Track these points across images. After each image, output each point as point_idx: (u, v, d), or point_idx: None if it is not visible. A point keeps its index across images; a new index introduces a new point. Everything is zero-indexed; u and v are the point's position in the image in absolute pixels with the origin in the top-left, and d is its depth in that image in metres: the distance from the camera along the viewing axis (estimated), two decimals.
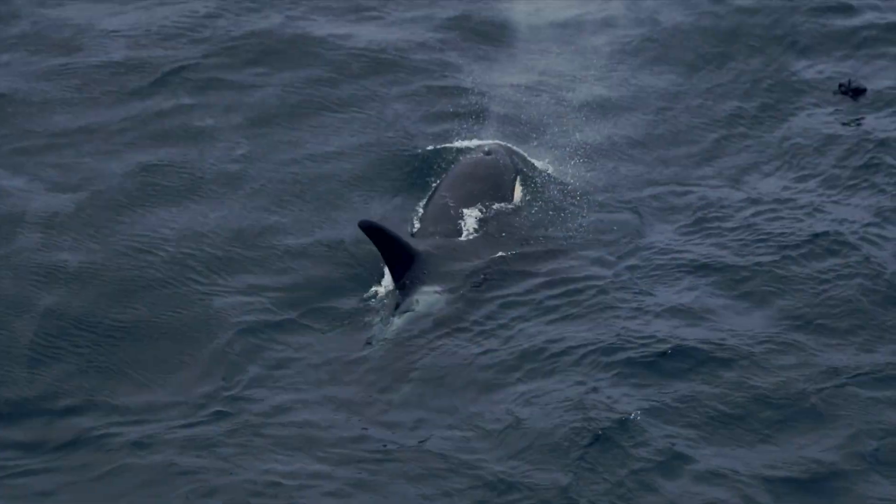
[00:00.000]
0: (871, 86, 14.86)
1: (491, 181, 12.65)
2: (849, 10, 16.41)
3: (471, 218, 12.27)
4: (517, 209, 12.60)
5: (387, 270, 11.62)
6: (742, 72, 15.51)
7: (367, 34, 15.92)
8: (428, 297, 11.43)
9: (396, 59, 15.41)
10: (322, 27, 16.00)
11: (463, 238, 12.12)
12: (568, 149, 13.65)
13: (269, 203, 12.94)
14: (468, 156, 13.20)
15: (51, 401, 10.49)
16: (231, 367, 10.72)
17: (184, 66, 15.29)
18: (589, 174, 13.36)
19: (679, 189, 13.29)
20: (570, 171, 13.34)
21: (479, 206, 12.38)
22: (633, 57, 15.77)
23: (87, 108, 14.52)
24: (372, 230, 11.34)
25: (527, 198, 12.83)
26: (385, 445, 9.98)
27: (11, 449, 9.97)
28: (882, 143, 13.92)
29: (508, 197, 12.61)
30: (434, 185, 13.05)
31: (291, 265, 12.03)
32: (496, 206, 12.45)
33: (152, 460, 9.61)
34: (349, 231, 12.39)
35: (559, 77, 15.23)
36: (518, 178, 12.91)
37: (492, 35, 16.14)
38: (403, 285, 11.49)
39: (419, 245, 11.71)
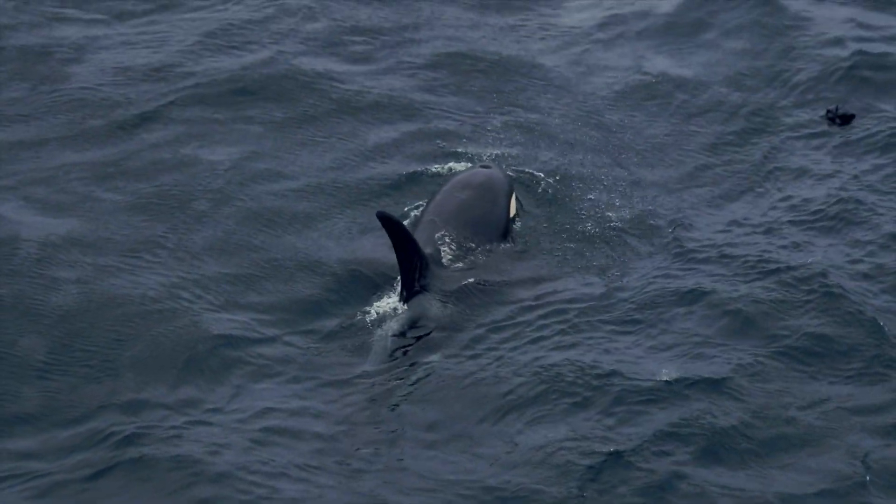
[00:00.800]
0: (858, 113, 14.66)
1: (487, 191, 12.61)
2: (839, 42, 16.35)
3: (465, 228, 12.22)
4: (513, 221, 12.67)
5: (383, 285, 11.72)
6: (726, 99, 15.31)
7: (354, 72, 15.90)
8: (433, 303, 11.48)
9: (384, 95, 15.34)
10: (310, 64, 15.95)
11: (458, 249, 12.09)
12: (557, 176, 13.62)
13: (259, 225, 12.94)
14: (464, 170, 13.29)
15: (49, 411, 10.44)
16: (221, 382, 10.66)
17: (172, 101, 15.18)
18: (584, 198, 13.35)
19: (663, 215, 13.18)
20: (564, 194, 13.38)
21: (474, 214, 12.33)
22: (623, 98, 15.62)
23: (77, 139, 14.41)
24: (389, 222, 11.22)
25: (522, 213, 12.87)
26: (376, 458, 9.92)
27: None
28: (870, 172, 13.75)
29: (505, 209, 12.57)
30: (428, 198, 13.03)
31: (282, 286, 12.06)
32: (493, 216, 12.41)
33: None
34: (334, 253, 12.49)
35: (546, 115, 15.12)
36: (515, 194, 12.92)
37: (483, 73, 16.02)
38: (411, 285, 11.44)
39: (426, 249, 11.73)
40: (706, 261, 12.27)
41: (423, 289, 11.46)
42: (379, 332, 11.25)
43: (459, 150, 14.18)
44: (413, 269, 11.38)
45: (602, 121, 14.99)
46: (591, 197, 13.29)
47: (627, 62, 16.36)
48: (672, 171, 14.00)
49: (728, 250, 12.41)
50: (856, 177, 13.72)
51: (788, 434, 10.05)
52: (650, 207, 13.19)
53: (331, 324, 11.46)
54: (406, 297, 11.43)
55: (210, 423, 10.02)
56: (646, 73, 16.01)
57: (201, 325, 11.17)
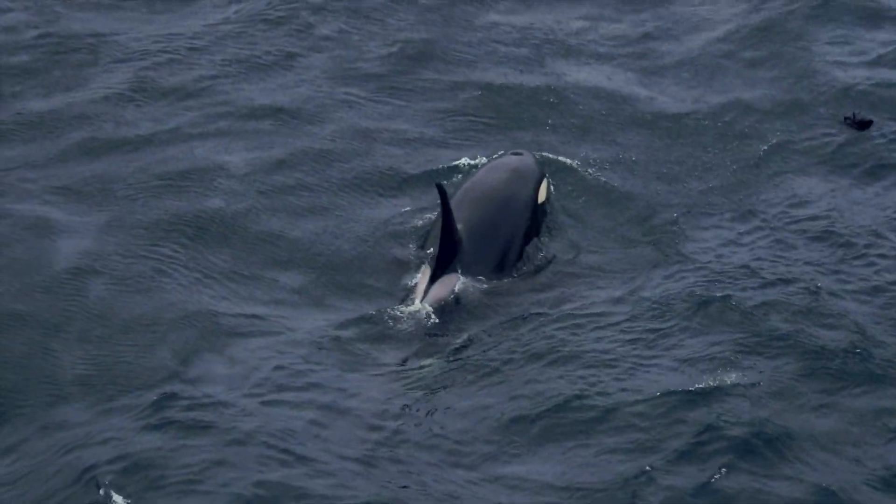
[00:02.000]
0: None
1: (518, 174, 12.88)
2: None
3: (492, 212, 12.45)
4: (543, 207, 12.89)
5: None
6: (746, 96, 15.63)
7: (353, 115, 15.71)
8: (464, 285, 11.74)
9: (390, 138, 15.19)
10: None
11: (488, 233, 12.30)
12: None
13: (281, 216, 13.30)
14: (497, 156, 13.55)
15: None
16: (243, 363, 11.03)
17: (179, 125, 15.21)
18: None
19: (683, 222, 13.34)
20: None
21: (502, 198, 12.58)
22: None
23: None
24: (444, 195, 11.56)
25: (552, 200, 13.07)
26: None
27: None
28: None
29: (534, 194, 12.78)
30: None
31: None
32: (520, 201, 12.66)
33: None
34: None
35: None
36: (546, 180, 13.12)
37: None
38: (444, 263, 11.69)
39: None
40: (721, 273, 12.34)
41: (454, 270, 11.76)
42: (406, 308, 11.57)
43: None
44: (451, 247, 11.67)
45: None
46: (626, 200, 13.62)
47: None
48: (694, 181, 14.16)
49: (741, 261, 12.54)
50: (873, 178, 14.06)
51: (806, 440, 10.07)
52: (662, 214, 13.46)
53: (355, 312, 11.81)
54: (437, 275, 11.71)
55: (232, 398, 10.52)
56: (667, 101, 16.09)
57: (219, 313, 11.66)
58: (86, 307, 11.72)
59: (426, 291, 11.70)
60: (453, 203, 12.06)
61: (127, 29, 16.97)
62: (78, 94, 15.49)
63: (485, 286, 11.88)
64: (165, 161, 14.21)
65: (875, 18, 17.40)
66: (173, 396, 10.41)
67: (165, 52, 16.45)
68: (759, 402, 10.31)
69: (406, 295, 11.92)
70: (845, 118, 14.98)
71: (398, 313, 11.56)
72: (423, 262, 12.20)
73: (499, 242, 12.27)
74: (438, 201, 11.74)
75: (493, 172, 12.93)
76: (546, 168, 13.47)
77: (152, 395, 10.43)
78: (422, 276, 11.96)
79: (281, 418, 10.27)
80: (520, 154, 13.28)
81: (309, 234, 13.00)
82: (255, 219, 13.23)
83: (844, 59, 16.43)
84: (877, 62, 16.35)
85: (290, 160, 14.28)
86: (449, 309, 11.64)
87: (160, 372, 10.92)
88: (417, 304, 11.60)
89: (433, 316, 11.53)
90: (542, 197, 12.86)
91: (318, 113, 15.23)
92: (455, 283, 11.79)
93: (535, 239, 12.55)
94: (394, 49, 16.65)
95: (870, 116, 14.92)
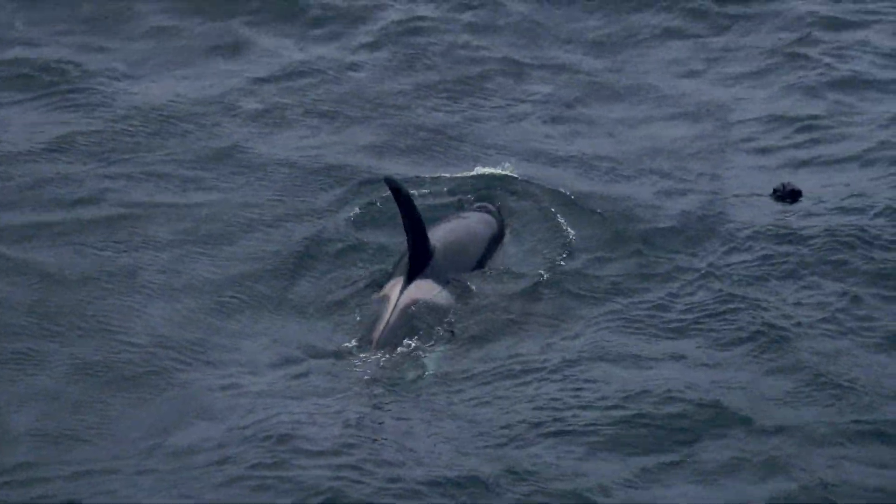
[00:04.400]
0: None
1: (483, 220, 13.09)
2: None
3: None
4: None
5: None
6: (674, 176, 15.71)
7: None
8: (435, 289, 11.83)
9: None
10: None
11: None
12: None
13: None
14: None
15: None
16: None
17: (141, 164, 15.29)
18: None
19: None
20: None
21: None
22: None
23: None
24: (396, 190, 11.60)
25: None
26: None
27: None
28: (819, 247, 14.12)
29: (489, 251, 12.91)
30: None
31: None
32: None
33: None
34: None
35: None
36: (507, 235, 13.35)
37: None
38: (417, 258, 11.78)
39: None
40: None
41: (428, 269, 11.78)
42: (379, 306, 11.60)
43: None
44: (421, 243, 11.66)
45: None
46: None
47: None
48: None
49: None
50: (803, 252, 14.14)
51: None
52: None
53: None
54: (411, 275, 11.67)
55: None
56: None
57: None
58: None
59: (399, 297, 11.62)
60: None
61: None
62: None
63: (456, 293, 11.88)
64: None
65: None
66: None
67: None
68: (749, 403, 10.46)
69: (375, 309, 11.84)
70: (775, 190, 15.04)
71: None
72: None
73: (466, 259, 12.32)
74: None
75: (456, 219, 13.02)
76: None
77: None
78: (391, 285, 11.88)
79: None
80: (484, 208, 13.31)
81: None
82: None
83: None
84: None
85: None
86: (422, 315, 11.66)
87: None
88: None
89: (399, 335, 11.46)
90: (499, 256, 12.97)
91: None
92: (429, 289, 11.72)
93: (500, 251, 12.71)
94: None
95: (799, 187, 15.01)
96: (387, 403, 10.71)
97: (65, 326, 11.85)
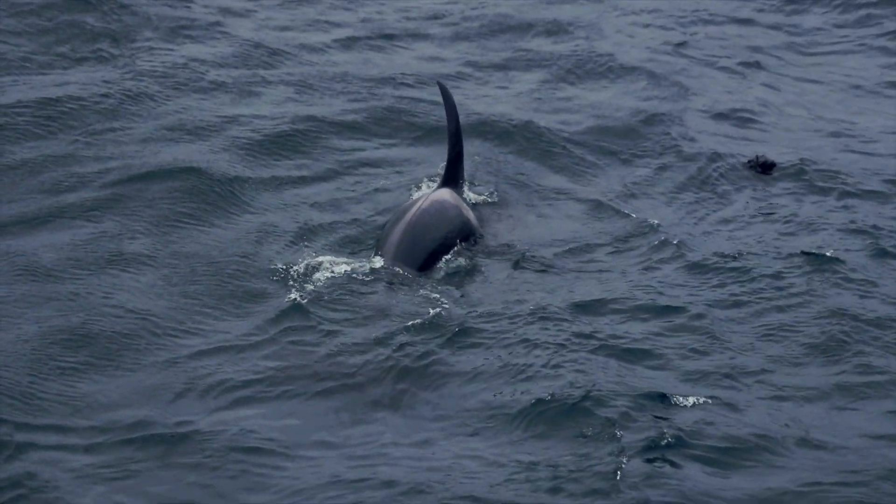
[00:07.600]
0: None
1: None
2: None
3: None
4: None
5: None
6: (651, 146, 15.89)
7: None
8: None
9: None
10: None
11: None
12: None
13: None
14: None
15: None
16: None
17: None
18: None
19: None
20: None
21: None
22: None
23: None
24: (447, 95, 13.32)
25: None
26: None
27: None
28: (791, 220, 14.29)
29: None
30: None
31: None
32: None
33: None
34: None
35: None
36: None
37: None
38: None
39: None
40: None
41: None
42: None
43: None
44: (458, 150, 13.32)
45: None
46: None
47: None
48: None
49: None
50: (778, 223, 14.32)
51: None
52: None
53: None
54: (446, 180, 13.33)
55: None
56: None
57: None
58: None
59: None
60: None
61: None
62: None
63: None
64: None
65: None
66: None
67: None
68: (742, 401, 10.39)
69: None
70: (748, 161, 15.24)
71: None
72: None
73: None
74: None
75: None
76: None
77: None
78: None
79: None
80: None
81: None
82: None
83: None
84: None
85: None
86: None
87: None
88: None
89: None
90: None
91: None
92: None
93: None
94: None
95: (773, 159, 15.21)
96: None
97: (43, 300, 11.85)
